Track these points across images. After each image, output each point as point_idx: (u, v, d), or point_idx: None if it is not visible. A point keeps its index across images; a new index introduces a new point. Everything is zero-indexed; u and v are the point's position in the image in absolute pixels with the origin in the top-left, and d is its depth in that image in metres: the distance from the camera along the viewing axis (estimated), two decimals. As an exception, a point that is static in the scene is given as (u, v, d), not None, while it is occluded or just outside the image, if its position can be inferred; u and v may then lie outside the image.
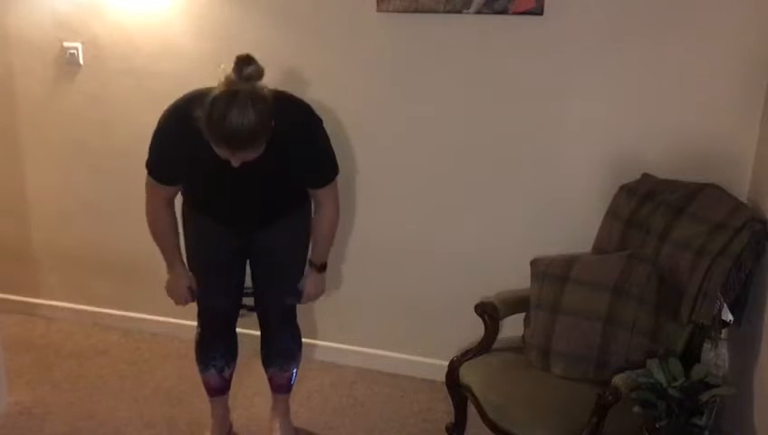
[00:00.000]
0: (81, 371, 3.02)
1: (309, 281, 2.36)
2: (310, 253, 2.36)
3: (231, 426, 2.60)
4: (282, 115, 1.97)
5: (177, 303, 2.34)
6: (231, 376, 2.49)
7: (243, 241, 2.33)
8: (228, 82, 1.85)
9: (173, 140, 2.08)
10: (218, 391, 2.48)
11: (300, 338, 2.50)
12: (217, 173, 2.03)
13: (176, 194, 2.23)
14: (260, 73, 1.88)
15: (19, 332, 3.29)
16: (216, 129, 1.83)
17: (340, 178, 2.25)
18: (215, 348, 2.42)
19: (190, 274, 2.31)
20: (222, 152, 1.90)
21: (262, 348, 2.48)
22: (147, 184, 2.19)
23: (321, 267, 2.35)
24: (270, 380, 2.51)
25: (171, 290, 2.32)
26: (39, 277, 3.43)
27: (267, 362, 2.48)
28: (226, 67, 1.87)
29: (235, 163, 1.93)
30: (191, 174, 2.14)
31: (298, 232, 2.33)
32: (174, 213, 2.25)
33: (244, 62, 1.87)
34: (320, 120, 2.14)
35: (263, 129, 1.87)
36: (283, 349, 2.47)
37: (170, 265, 2.30)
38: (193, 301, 2.34)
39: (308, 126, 2.13)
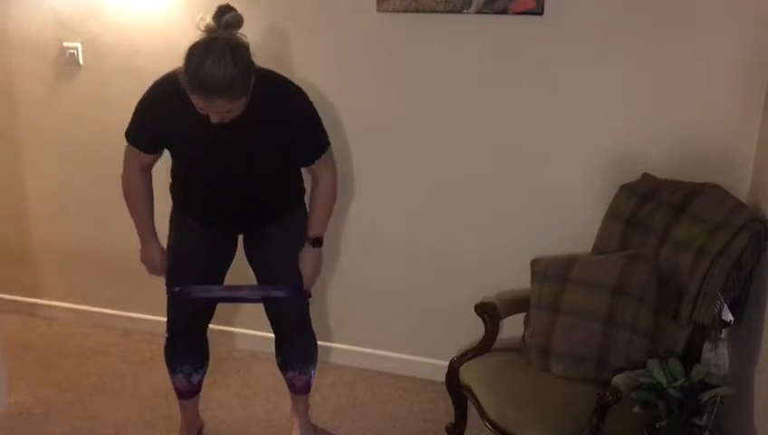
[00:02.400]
0: (81, 371, 3.02)
1: (306, 259, 2.28)
2: (314, 229, 2.30)
3: (202, 426, 2.61)
4: (267, 89, 2.00)
5: (150, 272, 2.35)
6: (200, 381, 2.47)
7: (228, 248, 2.34)
8: (207, 29, 1.87)
9: (157, 107, 2.09)
10: (186, 394, 2.47)
11: (315, 341, 2.47)
12: (205, 145, 2.04)
13: (153, 163, 2.23)
14: (239, 21, 1.91)
15: (19, 332, 3.29)
16: (192, 76, 1.84)
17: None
18: (182, 355, 2.40)
19: (162, 247, 2.32)
20: (199, 103, 1.89)
21: (277, 354, 2.45)
22: (125, 153, 2.21)
23: (317, 242, 2.29)
24: (289, 382, 2.50)
25: (145, 261, 2.34)
26: (39, 277, 3.43)
27: (285, 367, 2.46)
28: (205, 15, 1.88)
29: (214, 119, 1.92)
30: (178, 150, 2.15)
31: (298, 237, 2.30)
32: (150, 182, 2.26)
33: (224, 9, 1.89)
34: (304, 93, 2.14)
35: (240, 77, 1.86)
36: (300, 355, 2.44)
37: (143, 238, 2.31)
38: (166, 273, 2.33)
39: (295, 98, 2.12)
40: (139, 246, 2.33)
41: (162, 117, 2.09)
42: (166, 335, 2.38)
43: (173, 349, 2.39)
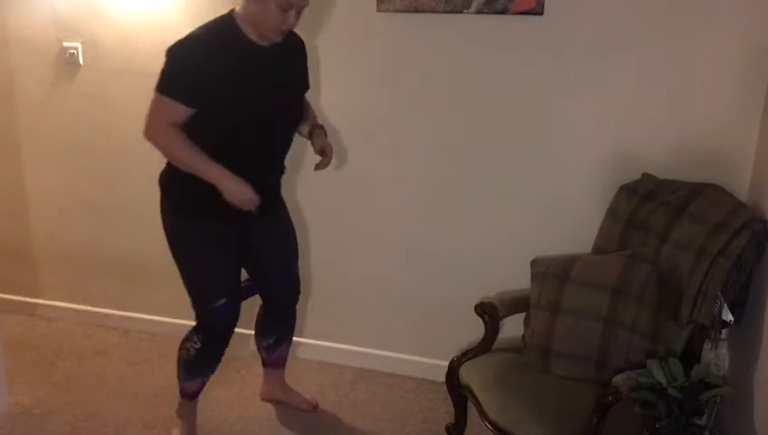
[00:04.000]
0: (81, 371, 3.02)
1: (327, 141, 2.38)
2: (316, 120, 2.44)
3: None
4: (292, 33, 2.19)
5: (247, 208, 2.11)
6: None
7: (241, 239, 2.34)
8: None
9: (213, 50, 2.02)
10: (197, 394, 2.51)
11: None
12: (269, 89, 2.12)
13: (182, 121, 2.04)
14: None
15: (19, 332, 3.29)
16: None
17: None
18: (216, 361, 2.43)
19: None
20: None
21: (269, 336, 2.57)
22: (153, 108, 2.03)
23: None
24: (276, 360, 2.64)
25: (235, 197, 2.08)
26: (39, 277, 3.43)
27: (277, 344, 2.59)
28: None
29: (293, 18, 2.03)
30: (230, 107, 2.05)
31: (287, 214, 2.47)
32: (182, 131, 2.05)
33: None
34: None
35: None
36: (291, 326, 2.63)
37: (213, 176, 2.05)
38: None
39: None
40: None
41: (219, 60, 2.01)
42: (198, 346, 2.35)
43: (209, 357, 2.41)
